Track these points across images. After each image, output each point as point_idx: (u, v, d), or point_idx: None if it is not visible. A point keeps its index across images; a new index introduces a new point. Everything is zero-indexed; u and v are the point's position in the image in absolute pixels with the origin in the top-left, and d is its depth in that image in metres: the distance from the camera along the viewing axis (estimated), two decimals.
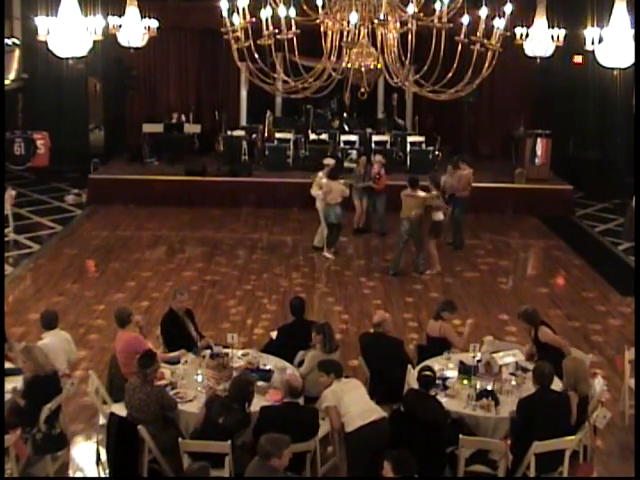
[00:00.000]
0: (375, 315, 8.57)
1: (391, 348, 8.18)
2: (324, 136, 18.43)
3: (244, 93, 20.07)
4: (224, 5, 6.11)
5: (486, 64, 6.16)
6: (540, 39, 14.10)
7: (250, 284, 12.34)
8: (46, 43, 9.25)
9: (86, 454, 7.57)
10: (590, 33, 10.63)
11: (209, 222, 15.89)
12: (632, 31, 9.71)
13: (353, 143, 18.28)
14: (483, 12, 6.05)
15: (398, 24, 6.36)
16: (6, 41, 17.66)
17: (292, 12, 6.15)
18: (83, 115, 20.03)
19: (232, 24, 6.15)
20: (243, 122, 19.99)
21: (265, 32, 6.14)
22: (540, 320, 8.09)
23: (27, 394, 7.01)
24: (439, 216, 12.85)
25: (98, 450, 7.45)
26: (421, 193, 12.65)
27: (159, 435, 6.80)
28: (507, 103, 19.97)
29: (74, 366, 8.52)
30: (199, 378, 7.45)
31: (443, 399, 7.14)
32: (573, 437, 6.67)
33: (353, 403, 6.82)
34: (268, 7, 6.19)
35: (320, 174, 13.82)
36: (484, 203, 16.53)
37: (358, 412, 6.76)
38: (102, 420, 7.47)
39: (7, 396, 7.01)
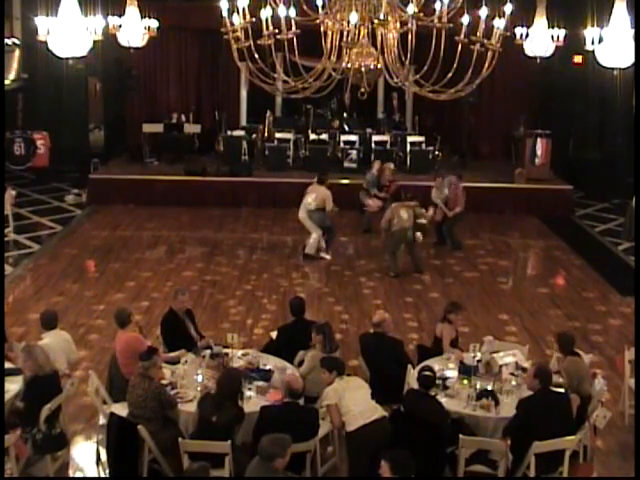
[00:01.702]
0: (375, 315, 8.57)
1: (391, 348, 8.18)
2: (324, 136, 18.43)
3: (244, 93, 20.08)
4: (224, 5, 6.11)
5: (486, 64, 6.15)
6: (540, 39, 14.09)
7: (250, 284, 12.34)
8: (46, 43, 9.25)
9: (86, 454, 7.57)
10: (590, 33, 10.63)
11: (209, 222, 15.89)
12: (632, 31, 9.70)
13: (353, 143, 18.28)
14: (483, 12, 6.04)
15: (398, 24, 6.36)
16: (6, 41, 17.66)
17: (292, 12, 6.15)
18: (83, 115, 20.01)
19: (232, 24, 6.15)
20: (243, 122, 20.00)
21: (265, 32, 6.14)
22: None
23: (27, 394, 7.02)
24: (424, 219, 12.93)
25: (98, 450, 7.45)
26: (411, 202, 12.72)
27: (159, 434, 6.80)
28: (507, 103, 19.96)
29: (74, 366, 8.52)
30: (199, 378, 7.44)
31: (443, 399, 7.14)
32: (573, 437, 6.67)
33: (354, 402, 6.82)
34: (268, 7, 6.19)
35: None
36: (484, 203, 16.55)
37: (360, 411, 6.76)
38: (102, 420, 7.47)
39: (7, 396, 7.02)
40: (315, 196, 13.27)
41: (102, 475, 7.31)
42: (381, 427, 6.75)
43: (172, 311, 8.43)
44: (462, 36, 6.07)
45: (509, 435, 6.72)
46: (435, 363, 7.79)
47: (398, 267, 12.83)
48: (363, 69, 6.22)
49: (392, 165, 15.15)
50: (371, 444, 6.56)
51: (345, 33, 6.26)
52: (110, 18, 13.08)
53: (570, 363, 7.28)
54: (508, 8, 6.22)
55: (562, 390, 7.00)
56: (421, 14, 6.27)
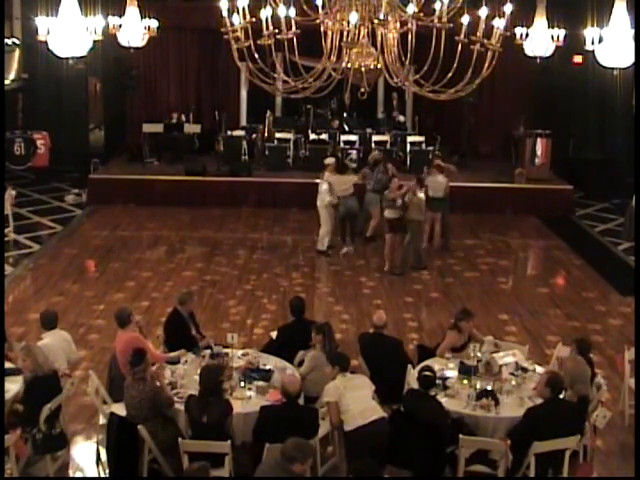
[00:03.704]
0: (375, 315, 8.57)
1: (391, 348, 8.19)
2: (324, 136, 18.43)
3: (244, 93, 20.08)
4: (224, 5, 6.11)
5: (486, 64, 6.16)
6: (540, 39, 14.09)
7: (250, 284, 12.34)
8: (46, 43, 9.25)
9: (86, 454, 7.58)
10: (590, 33, 10.63)
11: (209, 222, 15.89)
12: (632, 31, 9.70)
13: (353, 143, 18.29)
14: (483, 12, 6.05)
15: (398, 24, 6.36)
16: (6, 41, 17.66)
17: (292, 12, 6.15)
18: (83, 115, 20.01)
19: (232, 24, 6.15)
20: (243, 122, 19.99)
21: (265, 32, 6.14)
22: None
23: (27, 394, 7.01)
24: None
25: (98, 450, 7.46)
26: (421, 194, 12.79)
27: (158, 434, 6.80)
28: (507, 103, 19.96)
29: (74, 366, 8.52)
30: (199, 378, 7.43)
31: (443, 399, 7.14)
32: (573, 437, 6.66)
33: (355, 401, 6.81)
34: (268, 7, 6.19)
35: (326, 174, 13.78)
36: (484, 203, 16.55)
37: (359, 411, 6.76)
38: (102, 420, 7.48)
39: (7, 396, 7.02)
40: (336, 183, 13.58)
41: (102, 475, 7.32)
42: (379, 428, 6.74)
43: (177, 312, 8.41)
44: (462, 36, 6.07)
45: (513, 439, 6.71)
46: (435, 363, 7.79)
47: (405, 264, 12.88)
48: (363, 69, 6.22)
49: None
50: (369, 444, 6.56)
51: (345, 33, 6.26)
52: (110, 18, 13.07)
53: (569, 361, 7.29)
54: (508, 8, 6.23)
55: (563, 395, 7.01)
56: (421, 14, 6.27)
